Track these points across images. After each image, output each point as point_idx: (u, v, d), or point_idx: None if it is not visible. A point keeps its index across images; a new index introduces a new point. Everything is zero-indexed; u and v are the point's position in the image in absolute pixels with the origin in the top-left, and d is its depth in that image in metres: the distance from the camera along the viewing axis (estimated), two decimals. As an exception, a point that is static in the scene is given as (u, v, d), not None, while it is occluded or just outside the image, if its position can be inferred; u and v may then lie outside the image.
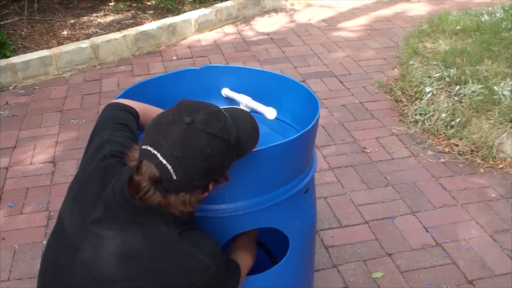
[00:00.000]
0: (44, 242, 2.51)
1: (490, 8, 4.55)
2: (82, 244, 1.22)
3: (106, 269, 1.20)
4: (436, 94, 3.39)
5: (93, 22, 5.00)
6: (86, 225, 1.22)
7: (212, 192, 1.25)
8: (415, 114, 3.44)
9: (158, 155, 1.12)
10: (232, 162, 1.25)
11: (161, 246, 1.21)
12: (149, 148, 1.14)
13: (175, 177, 1.13)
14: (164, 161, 1.12)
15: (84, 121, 3.56)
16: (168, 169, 1.12)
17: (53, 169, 3.05)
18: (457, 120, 3.19)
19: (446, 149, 3.15)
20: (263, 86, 1.82)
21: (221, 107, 1.26)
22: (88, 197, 1.25)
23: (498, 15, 4.31)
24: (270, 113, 1.66)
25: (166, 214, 1.21)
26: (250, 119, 1.34)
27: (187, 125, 1.14)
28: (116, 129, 1.39)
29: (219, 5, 5.22)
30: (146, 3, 5.49)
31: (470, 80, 3.31)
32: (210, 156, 1.14)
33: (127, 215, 1.20)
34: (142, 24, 4.89)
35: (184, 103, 1.20)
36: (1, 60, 4.05)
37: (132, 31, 4.60)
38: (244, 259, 1.49)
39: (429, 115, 3.36)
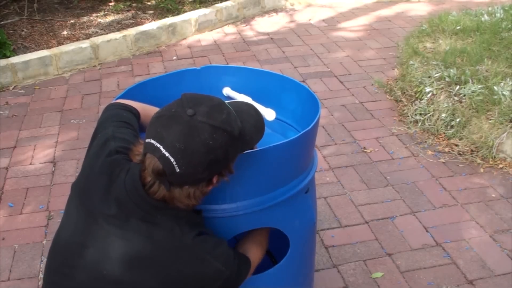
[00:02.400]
0: (44, 242, 2.50)
1: (490, 8, 4.55)
2: (90, 242, 1.22)
3: (116, 268, 1.19)
4: (436, 94, 3.39)
5: (93, 22, 5.00)
6: (95, 223, 1.22)
7: (216, 185, 1.24)
8: (415, 114, 3.44)
9: (161, 148, 1.13)
10: (236, 154, 1.25)
11: (175, 250, 1.21)
12: (152, 141, 1.15)
13: (178, 170, 1.13)
14: (167, 154, 1.12)
15: (84, 121, 3.56)
16: (171, 161, 1.12)
17: (53, 169, 3.05)
18: (457, 120, 3.19)
19: (446, 149, 3.16)
20: (263, 86, 1.83)
21: (226, 101, 1.26)
22: (95, 195, 1.25)
23: (498, 15, 4.31)
24: (269, 114, 1.67)
25: (180, 217, 1.22)
26: (254, 112, 1.33)
27: (190, 117, 1.14)
28: (119, 126, 1.40)
29: (219, 5, 5.22)
30: (146, 3, 5.49)
31: (470, 80, 3.31)
32: (213, 148, 1.14)
33: (140, 214, 1.20)
34: (142, 24, 4.89)
35: (186, 96, 1.20)
36: (1, 60, 4.05)
37: (132, 31, 4.60)
38: (255, 253, 1.49)
39: (429, 115, 3.36)
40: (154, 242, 1.20)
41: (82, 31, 4.77)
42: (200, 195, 1.21)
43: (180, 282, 1.21)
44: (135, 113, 1.50)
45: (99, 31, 4.78)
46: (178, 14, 5.08)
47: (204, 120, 1.14)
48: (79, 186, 1.32)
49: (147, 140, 1.16)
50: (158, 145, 1.13)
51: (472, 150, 3.10)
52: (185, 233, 1.22)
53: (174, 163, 1.12)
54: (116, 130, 1.37)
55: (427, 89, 3.43)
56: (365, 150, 3.18)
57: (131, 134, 1.38)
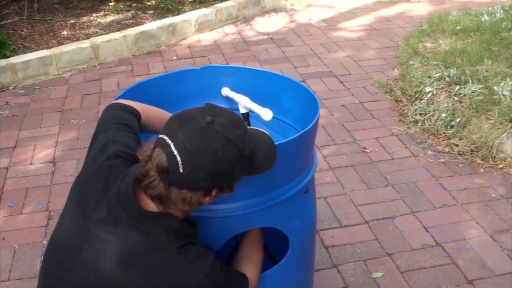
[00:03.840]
0: (44, 242, 2.51)
1: (490, 8, 4.55)
2: (83, 245, 1.22)
3: (104, 272, 1.20)
4: (436, 94, 3.39)
5: (93, 22, 5.00)
6: (88, 226, 1.22)
7: (215, 199, 1.25)
8: (415, 114, 3.44)
9: (172, 145, 1.14)
10: (241, 175, 1.26)
11: (159, 259, 1.20)
12: (165, 137, 1.16)
13: (181, 171, 1.14)
14: (175, 152, 1.13)
15: (84, 121, 3.56)
16: (177, 160, 1.13)
17: (53, 169, 3.05)
18: (457, 120, 3.19)
19: (446, 149, 3.15)
20: (263, 86, 1.82)
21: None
22: (91, 198, 1.25)
23: (498, 15, 4.31)
24: (266, 114, 1.66)
25: (169, 226, 1.22)
26: (269, 142, 1.34)
27: (207, 123, 1.16)
28: (119, 129, 1.39)
29: (219, 5, 5.22)
30: (146, 3, 5.49)
31: (470, 80, 3.31)
32: (221, 160, 1.15)
33: (129, 220, 1.20)
34: (142, 24, 4.89)
35: (209, 106, 1.22)
36: (1, 60, 4.06)
37: (132, 31, 4.60)
38: (249, 270, 1.46)
39: (429, 115, 3.36)
40: (140, 249, 1.20)
41: (82, 31, 4.77)
42: (196, 203, 1.21)
43: None
44: (135, 114, 1.49)
45: (99, 31, 4.78)
46: (178, 14, 5.08)
47: (220, 130, 1.16)
48: (76, 188, 1.32)
49: (160, 136, 1.18)
50: (170, 141, 1.15)
51: (472, 150, 3.10)
52: (170, 242, 1.21)
53: (180, 163, 1.13)
54: (116, 133, 1.37)
55: (427, 89, 3.43)
56: (365, 150, 3.18)
57: (131, 138, 1.38)
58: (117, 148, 1.33)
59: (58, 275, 1.25)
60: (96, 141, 1.38)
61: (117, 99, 1.58)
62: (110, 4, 5.43)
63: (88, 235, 1.22)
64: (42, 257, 1.37)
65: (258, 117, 1.70)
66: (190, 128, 1.15)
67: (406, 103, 3.60)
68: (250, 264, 1.49)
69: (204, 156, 1.14)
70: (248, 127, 1.30)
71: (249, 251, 1.54)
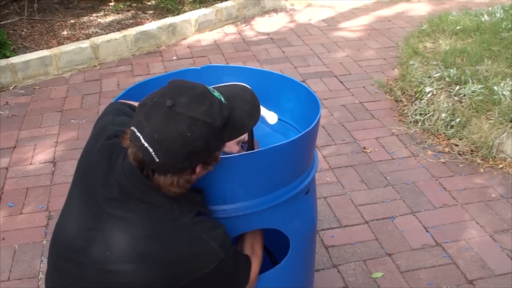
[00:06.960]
0: (44, 242, 2.50)
1: (490, 8, 4.55)
2: (95, 225, 1.23)
3: (120, 247, 1.21)
4: (436, 94, 3.39)
5: (93, 22, 5.00)
6: (98, 206, 1.23)
7: (202, 174, 1.25)
8: (415, 114, 3.44)
9: (141, 138, 1.14)
10: (222, 144, 1.23)
11: (174, 229, 1.22)
12: (134, 129, 1.16)
13: (157, 160, 1.14)
14: (146, 144, 1.14)
15: (84, 121, 3.56)
16: (150, 151, 1.14)
17: (53, 169, 3.05)
18: (457, 120, 3.19)
19: (446, 149, 3.16)
20: (264, 86, 1.82)
21: (223, 84, 1.25)
22: (97, 178, 1.27)
23: (498, 15, 4.31)
24: (271, 117, 1.66)
25: (179, 197, 1.23)
26: (250, 97, 1.30)
27: (168, 108, 1.13)
28: (119, 115, 1.42)
29: (219, 5, 5.22)
30: (146, 3, 5.49)
31: (470, 80, 3.31)
32: (191, 140, 1.14)
33: (139, 195, 1.21)
34: (142, 24, 4.89)
35: (171, 85, 1.19)
36: (1, 60, 4.05)
37: (132, 31, 4.60)
38: (252, 260, 1.48)
39: (429, 115, 3.36)
40: (154, 222, 1.21)
41: (82, 31, 4.77)
42: (185, 183, 1.21)
43: (178, 262, 1.22)
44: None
45: (99, 31, 4.78)
46: (178, 14, 5.08)
47: (182, 111, 1.13)
48: (80, 170, 1.33)
49: (132, 128, 1.18)
50: (139, 134, 1.15)
51: (472, 150, 3.10)
52: (184, 212, 1.23)
53: (153, 153, 1.13)
54: (116, 117, 1.40)
55: (427, 89, 3.43)
56: (365, 150, 3.18)
57: (130, 121, 1.39)
58: (117, 128, 1.34)
59: (70, 258, 1.26)
60: (95, 125, 1.42)
61: (118, 99, 1.59)
62: (110, 4, 5.42)
63: (99, 215, 1.23)
64: (46, 257, 1.38)
65: (260, 118, 1.70)
66: (154, 117, 1.14)
67: (406, 103, 3.60)
68: (251, 255, 1.50)
69: (173, 142, 1.13)
70: (224, 84, 1.28)
71: (252, 246, 1.54)
